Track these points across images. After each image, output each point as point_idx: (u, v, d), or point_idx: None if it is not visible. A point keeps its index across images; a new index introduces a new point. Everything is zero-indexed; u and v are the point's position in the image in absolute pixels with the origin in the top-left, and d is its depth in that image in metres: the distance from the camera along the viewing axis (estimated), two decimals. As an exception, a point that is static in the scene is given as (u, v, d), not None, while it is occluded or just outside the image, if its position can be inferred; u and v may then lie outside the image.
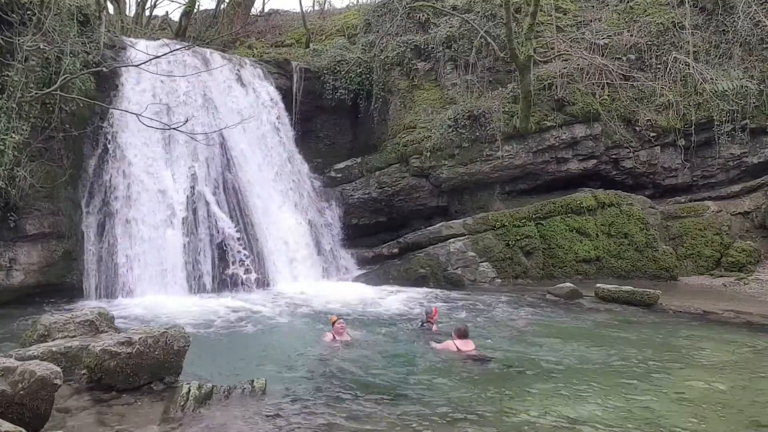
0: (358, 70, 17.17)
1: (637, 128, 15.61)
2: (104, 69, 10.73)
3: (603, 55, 15.95)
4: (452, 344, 7.60)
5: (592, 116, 15.33)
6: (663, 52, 16.02)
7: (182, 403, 4.85)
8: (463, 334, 7.66)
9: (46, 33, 10.67)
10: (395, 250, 14.95)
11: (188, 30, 19.53)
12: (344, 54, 17.59)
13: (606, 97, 15.55)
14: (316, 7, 27.77)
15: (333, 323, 8.19)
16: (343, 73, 17.09)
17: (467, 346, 7.56)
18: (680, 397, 5.96)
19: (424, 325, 8.88)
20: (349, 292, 12.46)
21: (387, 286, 13.09)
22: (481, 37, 15.79)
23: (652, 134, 15.54)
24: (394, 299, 11.75)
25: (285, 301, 11.49)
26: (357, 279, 14.11)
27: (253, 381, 5.49)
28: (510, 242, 14.18)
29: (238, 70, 15.38)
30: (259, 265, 12.98)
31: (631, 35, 16.35)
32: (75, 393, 5.04)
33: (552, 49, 16.27)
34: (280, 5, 48.46)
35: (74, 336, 5.94)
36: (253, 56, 17.68)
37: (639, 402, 5.80)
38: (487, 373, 6.81)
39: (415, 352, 7.81)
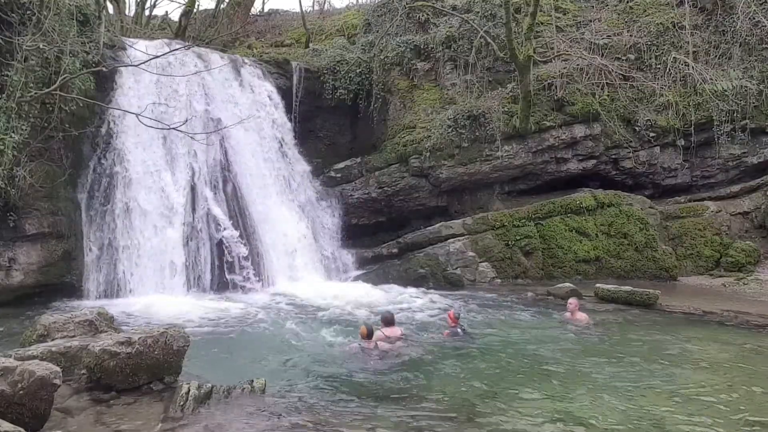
0: (358, 70, 17.18)
1: (636, 128, 15.61)
2: (104, 69, 10.72)
3: (603, 55, 15.95)
4: (380, 333, 7.91)
5: (591, 116, 15.33)
6: (663, 53, 16.03)
7: (182, 403, 4.84)
8: (389, 322, 8.03)
9: (46, 33, 10.66)
10: (395, 250, 14.95)
11: (188, 30, 19.51)
12: (344, 54, 17.60)
13: (606, 97, 15.55)
14: (316, 7, 27.82)
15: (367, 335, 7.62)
16: (342, 73, 17.10)
17: (394, 332, 7.96)
18: (680, 397, 5.96)
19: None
20: (349, 292, 12.44)
21: (386, 287, 13.08)
22: (480, 37, 15.79)
23: (652, 134, 15.54)
24: (393, 299, 11.75)
25: (284, 301, 11.50)
26: (356, 279, 14.11)
27: (252, 381, 5.48)
28: (509, 242, 14.18)
29: (238, 70, 15.38)
30: (258, 264, 12.98)
31: (631, 35, 16.36)
32: (74, 393, 5.04)
33: (552, 49, 16.28)
34: (279, 5, 48.53)
35: (74, 336, 5.94)
36: (253, 56, 17.68)
37: (638, 402, 5.80)
38: (486, 374, 6.81)
39: (415, 353, 7.81)
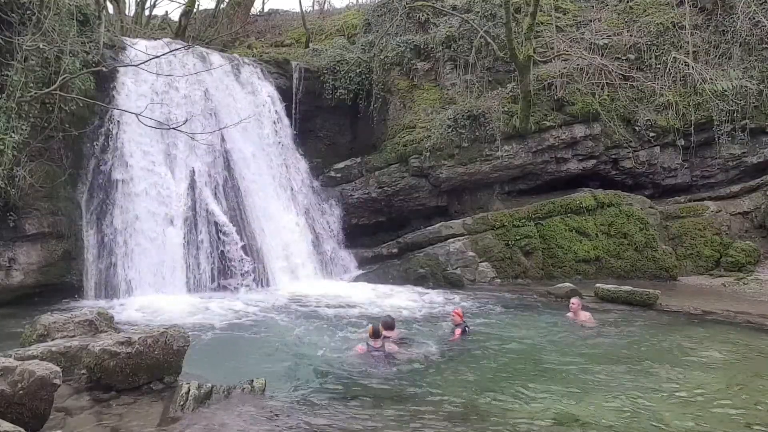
0: (358, 70, 17.18)
1: (636, 128, 15.61)
2: (104, 69, 10.72)
3: (603, 55, 15.95)
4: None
5: (591, 116, 15.33)
6: (663, 52, 16.02)
7: (182, 403, 4.84)
8: (389, 327, 8.05)
9: (46, 33, 10.66)
10: (395, 250, 14.96)
11: (188, 30, 19.51)
12: (344, 54, 17.60)
13: (605, 97, 15.55)
14: (316, 7, 27.84)
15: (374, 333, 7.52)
16: (342, 72, 17.10)
17: (393, 337, 7.98)
18: (680, 397, 5.96)
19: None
20: (349, 292, 12.45)
21: (386, 286, 13.09)
22: (480, 37, 15.78)
23: (652, 134, 15.54)
24: (393, 299, 11.75)
25: (284, 301, 11.50)
26: (357, 279, 14.11)
27: (252, 381, 5.48)
28: (509, 242, 14.18)
29: (238, 70, 15.38)
30: (258, 264, 12.99)
31: (631, 35, 16.36)
32: (74, 393, 5.04)
33: (552, 49, 16.28)
34: (279, 5, 48.51)
35: (74, 336, 5.95)
36: (253, 56, 17.68)
37: (638, 402, 5.80)
38: (487, 374, 6.82)
39: (417, 354, 7.80)
